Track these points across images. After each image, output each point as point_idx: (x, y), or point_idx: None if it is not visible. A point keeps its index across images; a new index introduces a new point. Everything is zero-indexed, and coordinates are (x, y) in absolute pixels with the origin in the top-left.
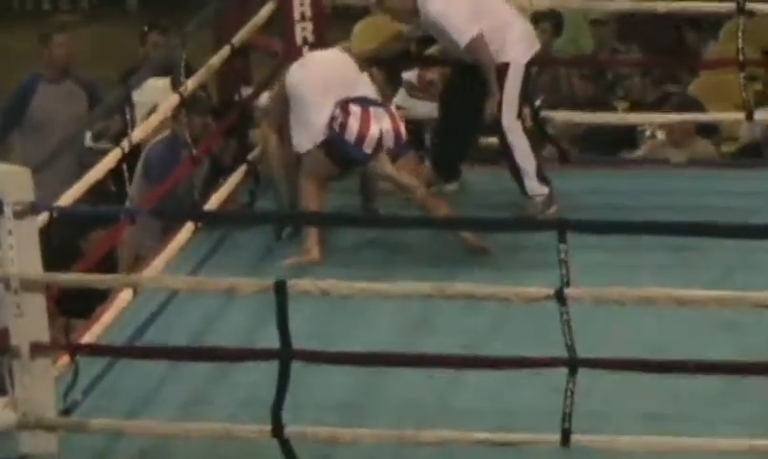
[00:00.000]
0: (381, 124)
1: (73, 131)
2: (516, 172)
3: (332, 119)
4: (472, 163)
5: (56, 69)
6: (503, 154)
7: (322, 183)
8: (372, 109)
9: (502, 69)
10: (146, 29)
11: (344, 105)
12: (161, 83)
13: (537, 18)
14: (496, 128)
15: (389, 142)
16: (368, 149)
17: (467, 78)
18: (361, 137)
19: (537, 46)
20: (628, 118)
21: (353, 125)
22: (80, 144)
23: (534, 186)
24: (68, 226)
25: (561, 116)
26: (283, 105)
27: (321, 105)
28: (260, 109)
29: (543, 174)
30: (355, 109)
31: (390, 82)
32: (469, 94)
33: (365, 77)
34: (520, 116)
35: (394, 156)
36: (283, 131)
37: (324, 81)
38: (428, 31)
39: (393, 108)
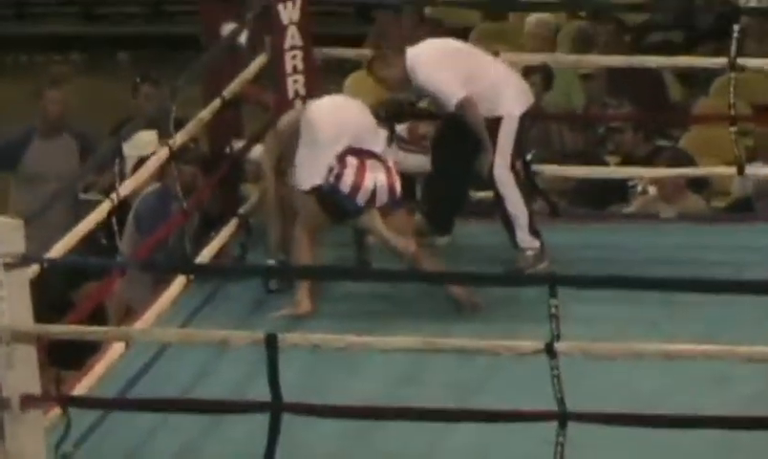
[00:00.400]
0: (376, 178)
1: (64, 184)
2: (508, 223)
3: (329, 168)
4: (465, 217)
5: (50, 124)
6: (496, 205)
7: (314, 234)
8: (369, 162)
9: (496, 122)
10: (138, 80)
11: (342, 156)
12: (152, 136)
13: (527, 72)
14: (489, 181)
15: (383, 196)
16: (361, 201)
17: (459, 132)
18: (355, 188)
19: (531, 100)
20: (618, 171)
21: (349, 176)
22: (73, 197)
23: (525, 239)
24: (59, 278)
25: (551, 169)
26: (292, 142)
27: (328, 149)
28: (251, 162)
29: (534, 228)
30: (352, 161)
31: (390, 137)
32: (461, 147)
33: (380, 132)
34: (513, 168)
35: (387, 211)
36: (282, 173)
37: (338, 125)
38: (420, 95)
39: (391, 163)
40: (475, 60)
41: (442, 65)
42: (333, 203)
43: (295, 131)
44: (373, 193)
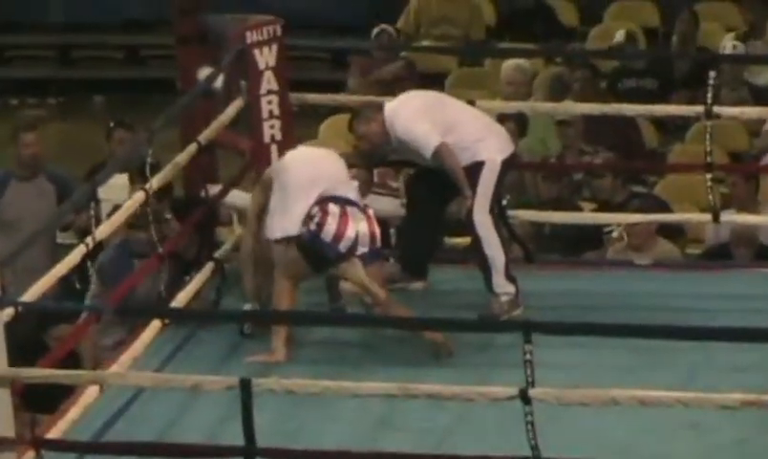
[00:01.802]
0: (358, 226)
1: (41, 227)
2: (485, 267)
3: (310, 217)
4: (440, 263)
5: (26, 166)
6: (473, 249)
7: (296, 283)
8: (350, 210)
9: (478, 166)
10: (112, 125)
11: (323, 204)
12: (120, 181)
13: (501, 118)
14: (468, 224)
15: (364, 244)
16: (343, 249)
17: (433, 177)
18: (338, 237)
19: (512, 147)
20: (594, 217)
21: (331, 225)
22: (51, 240)
23: (501, 283)
24: (32, 319)
25: (526, 215)
26: (266, 192)
27: (301, 199)
28: (226, 207)
29: (510, 274)
30: (334, 209)
31: (370, 182)
32: (435, 192)
33: (352, 181)
34: (492, 212)
35: (364, 260)
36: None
37: (309, 176)
38: (399, 147)
39: (371, 212)
40: (454, 111)
41: (420, 115)
42: (315, 251)
43: (268, 186)
44: (355, 241)
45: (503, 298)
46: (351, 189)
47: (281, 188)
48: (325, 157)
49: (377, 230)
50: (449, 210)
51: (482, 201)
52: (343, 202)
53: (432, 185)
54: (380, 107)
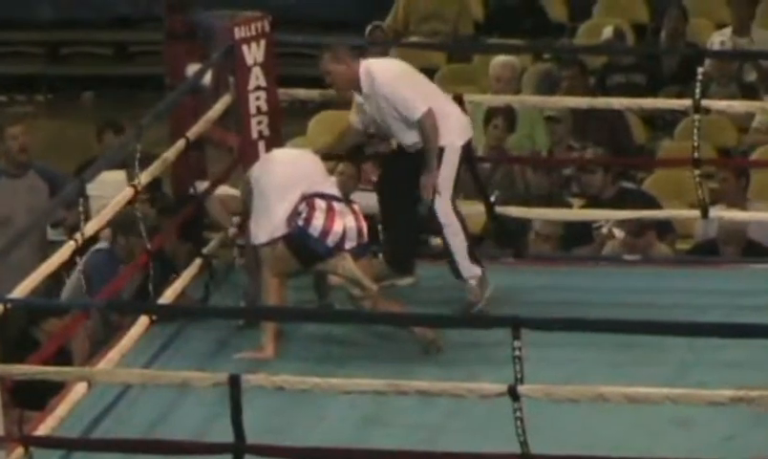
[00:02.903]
0: (345, 221)
1: (31, 223)
2: (448, 254)
3: (297, 213)
4: (428, 260)
5: (15, 161)
6: (437, 235)
7: (284, 279)
8: (336, 205)
9: (439, 152)
10: (102, 126)
11: (309, 200)
12: (116, 176)
13: (490, 114)
14: (430, 211)
15: (352, 239)
16: (331, 244)
17: (400, 169)
18: (326, 231)
19: (471, 132)
20: (584, 214)
21: (318, 219)
22: (41, 236)
23: (466, 266)
24: (21, 315)
25: (515, 211)
26: (248, 199)
27: (282, 200)
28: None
29: (475, 256)
30: (321, 204)
31: (357, 177)
32: (403, 184)
33: (330, 178)
34: (453, 198)
35: (355, 256)
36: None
37: (287, 177)
38: (375, 115)
39: (357, 207)
40: (424, 84)
41: (404, 79)
42: (303, 246)
43: (248, 194)
44: (343, 236)
45: (472, 282)
46: (330, 186)
47: (260, 193)
48: (301, 156)
49: (364, 225)
50: (419, 200)
51: (444, 187)
52: (329, 197)
53: (398, 179)
54: (355, 55)
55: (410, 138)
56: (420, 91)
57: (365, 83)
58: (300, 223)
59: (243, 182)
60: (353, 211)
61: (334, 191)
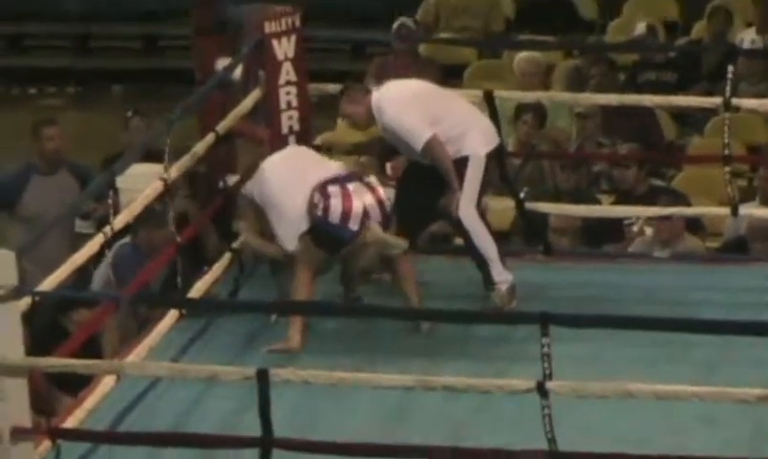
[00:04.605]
0: (363, 199)
1: (58, 216)
2: (480, 260)
3: (314, 205)
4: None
5: (48, 161)
6: (466, 244)
7: (315, 272)
8: (350, 186)
9: (463, 162)
10: (129, 114)
11: (322, 188)
12: (146, 169)
13: (519, 110)
14: (456, 219)
15: (375, 215)
16: (354, 226)
17: (423, 173)
18: (345, 215)
19: (497, 139)
20: (615, 210)
21: (336, 206)
22: (70, 230)
23: (499, 271)
24: (51, 306)
25: (544, 207)
26: (257, 215)
27: (293, 199)
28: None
29: (504, 263)
30: (334, 189)
31: (382, 170)
32: (422, 189)
33: (326, 160)
34: (479, 206)
35: (383, 228)
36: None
37: (286, 177)
38: (388, 139)
39: (372, 179)
40: (440, 101)
41: (409, 105)
42: (327, 236)
43: (256, 211)
44: (365, 214)
45: (503, 287)
46: (337, 168)
47: (269, 205)
48: (291, 153)
49: (384, 197)
50: (439, 205)
51: (469, 196)
52: (341, 180)
53: (419, 181)
54: (368, 90)
55: (427, 161)
56: (431, 113)
57: (376, 115)
58: (319, 213)
59: (244, 205)
60: (370, 187)
61: (343, 171)
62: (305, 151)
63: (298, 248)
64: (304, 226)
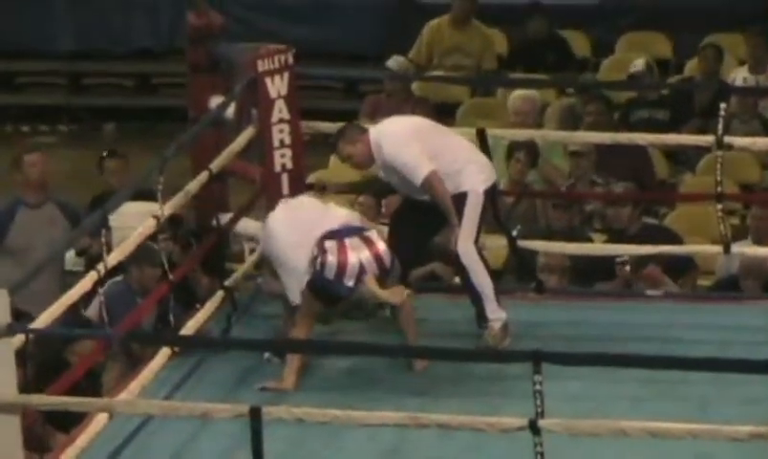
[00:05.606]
0: (360, 254)
1: (50, 253)
2: (475, 296)
3: (314, 258)
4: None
5: (33, 190)
6: (462, 281)
7: (314, 318)
8: (347, 240)
9: (461, 198)
10: (104, 155)
11: (320, 243)
12: (138, 207)
13: (512, 148)
14: (454, 255)
15: (372, 269)
16: (349, 282)
17: (416, 209)
18: (341, 271)
19: (494, 176)
20: (602, 248)
21: (332, 261)
22: (59, 267)
23: (494, 309)
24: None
25: (537, 245)
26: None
27: (296, 255)
28: (238, 235)
29: (499, 301)
30: (331, 245)
31: (378, 208)
32: (416, 225)
33: (331, 209)
34: (476, 242)
35: (379, 281)
36: None
37: (291, 233)
38: (387, 178)
39: (372, 233)
40: (438, 137)
41: (409, 140)
42: (323, 290)
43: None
44: (361, 269)
45: (496, 325)
46: (339, 220)
47: (277, 262)
48: (297, 205)
49: (383, 250)
50: (434, 241)
51: (467, 232)
52: (339, 234)
53: (413, 217)
54: (364, 129)
55: (425, 197)
56: (430, 149)
57: (375, 152)
58: (317, 267)
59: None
60: (367, 241)
61: (344, 224)
62: (309, 202)
63: (301, 299)
64: (305, 279)
